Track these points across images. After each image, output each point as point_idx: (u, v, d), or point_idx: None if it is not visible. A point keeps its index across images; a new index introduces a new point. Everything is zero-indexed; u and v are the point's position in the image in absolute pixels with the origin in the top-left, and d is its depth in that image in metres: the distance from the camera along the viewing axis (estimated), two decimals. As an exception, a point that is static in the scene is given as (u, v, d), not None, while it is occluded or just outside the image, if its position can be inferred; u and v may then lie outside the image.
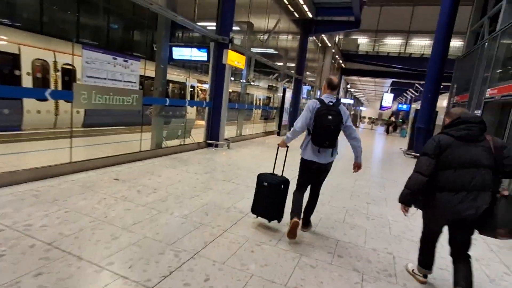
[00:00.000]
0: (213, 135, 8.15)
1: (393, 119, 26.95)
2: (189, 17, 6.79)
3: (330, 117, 2.91)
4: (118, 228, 2.93)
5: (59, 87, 7.66)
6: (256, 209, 3.38)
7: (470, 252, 2.32)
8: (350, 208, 4.39)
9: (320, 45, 20.17)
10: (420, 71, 23.72)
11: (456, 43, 23.61)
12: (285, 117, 13.58)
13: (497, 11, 7.41)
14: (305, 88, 17.82)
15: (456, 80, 9.70)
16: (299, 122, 3.08)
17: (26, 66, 7.08)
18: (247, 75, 11.17)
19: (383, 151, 11.94)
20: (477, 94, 7.03)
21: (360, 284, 2.49)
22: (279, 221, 3.31)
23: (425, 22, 24.13)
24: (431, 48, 10.38)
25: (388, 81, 35.38)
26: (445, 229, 2.38)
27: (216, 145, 8.12)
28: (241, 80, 11.52)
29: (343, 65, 28.69)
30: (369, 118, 45.85)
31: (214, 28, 7.89)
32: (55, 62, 7.63)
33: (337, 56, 24.48)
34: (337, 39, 23.39)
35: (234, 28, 8.04)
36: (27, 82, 7.11)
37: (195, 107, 12.38)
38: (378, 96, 56.98)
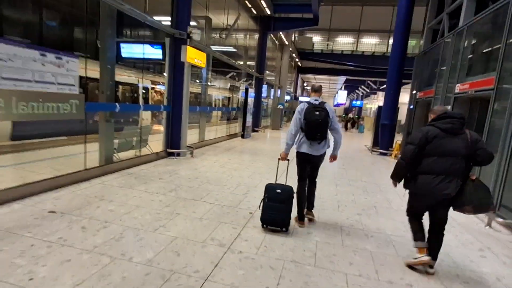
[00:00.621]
0: (173, 143, 7.19)
1: (351, 115, 27.79)
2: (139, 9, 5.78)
3: (317, 112, 3.38)
4: (50, 299, 2.02)
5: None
6: (270, 219, 3.41)
7: None
8: (344, 224, 3.85)
9: (277, 43, 19.86)
10: (372, 68, 24.75)
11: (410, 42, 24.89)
12: (249, 118, 12.94)
13: (456, 7, 7.51)
14: (265, 87, 17.35)
15: (416, 76, 9.85)
16: (292, 126, 3.53)
17: None
18: (207, 74, 10.29)
19: (349, 149, 11.87)
20: (444, 89, 7.03)
21: None
22: (287, 229, 3.41)
23: (374, 22, 25.24)
24: (391, 47, 10.48)
25: (342, 79, 36.63)
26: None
27: (178, 154, 7.19)
28: (199, 81, 10.58)
29: (299, 63, 28.92)
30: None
31: (169, 23, 6.94)
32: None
33: (294, 55, 24.48)
34: (293, 37, 23.35)
35: (192, 23, 7.16)
36: None
37: (150, 112, 11.13)
38: (332, 93, 59.08)
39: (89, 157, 4.99)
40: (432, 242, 2.77)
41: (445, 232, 2.78)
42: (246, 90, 12.47)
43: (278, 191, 3.41)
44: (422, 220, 2.85)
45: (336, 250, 3.12)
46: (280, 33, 18.48)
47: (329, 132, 3.53)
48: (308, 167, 3.66)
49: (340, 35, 27.29)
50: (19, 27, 9.55)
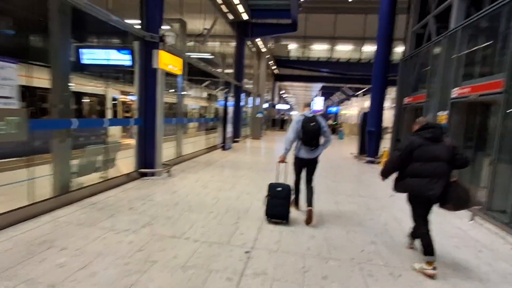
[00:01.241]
0: (147, 161, 6.26)
1: (330, 122, 27.80)
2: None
3: (312, 124, 4.05)
4: None
5: None
6: (273, 213, 3.99)
7: None
8: (362, 260, 3.15)
9: (255, 50, 19.35)
10: (348, 74, 24.92)
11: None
12: (229, 128, 12.15)
13: (444, 9, 7.25)
14: (243, 96, 16.68)
15: (402, 81, 9.57)
16: (290, 134, 4.13)
17: None
18: (183, 83, 9.43)
19: (335, 156, 11.38)
20: (438, 94, 6.66)
21: None
22: (287, 221, 3.99)
23: (348, 29, 25.53)
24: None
25: (318, 86, 36.84)
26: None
27: (153, 174, 6.26)
28: (174, 91, 9.69)
29: (276, 71, 28.65)
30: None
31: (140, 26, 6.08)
32: None
33: (270, 62, 24.11)
34: (269, 45, 23.00)
35: (164, 27, 6.33)
36: None
37: (121, 126, 10.02)
38: (308, 100, 59.77)
39: (39, 186, 4.00)
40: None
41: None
42: (225, 99, 11.71)
43: (279, 189, 4.02)
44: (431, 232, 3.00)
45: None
46: (257, 40, 17.99)
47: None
48: (303, 168, 4.31)
49: (315, 43, 27.36)
50: None
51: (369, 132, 10.28)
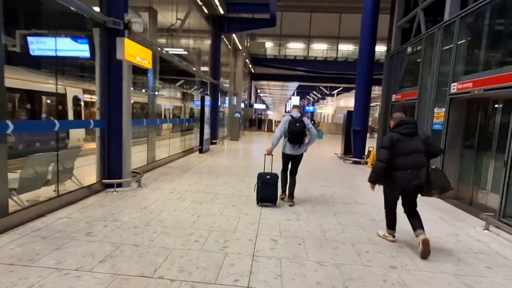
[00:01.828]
0: (112, 170, 5.31)
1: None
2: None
3: (297, 124, 4.63)
4: None
5: None
6: (264, 198, 4.70)
7: None
8: (388, 295, 2.50)
9: (231, 48, 18.53)
10: (325, 73, 24.78)
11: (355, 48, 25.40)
12: (207, 129, 11.27)
13: (433, 1, 6.88)
14: (219, 95, 15.83)
15: (388, 78, 9.19)
16: (277, 132, 4.80)
17: None
18: (154, 80, 8.45)
19: (319, 158, 10.87)
20: (434, 90, 6.25)
21: None
22: (275, 204, 4.74)
23: (323, 28, 25.39)
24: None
25: (294, 85, 36.59)
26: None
27: (120, 185, 5.32)
28: (145, 90, 8.61)
29: (252, 69, 27.99)
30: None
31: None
32: None
33: (247, 60, 23.40)
34: (246, 43, 22.26)
35: (131, 15, 5.40)
36: None
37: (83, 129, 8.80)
38: (283, 99, 59.59)
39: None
40: (414, 220, 3.32)
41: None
42: (202, 98, 10.82)
43: (268, 177, 4.63)
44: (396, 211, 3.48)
45: None
46: (234, 36, 17.19)
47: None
48: (290, 163, 4.88)
49: (291, 41, 27.02)
50: None
51: (354, 132, 9.84)
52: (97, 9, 5.00)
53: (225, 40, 16.57)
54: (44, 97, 8.37)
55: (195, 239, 3.38)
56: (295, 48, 26.72)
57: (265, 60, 25.07)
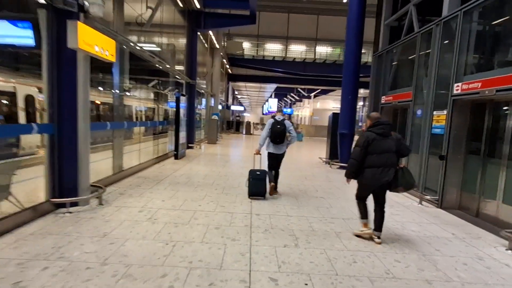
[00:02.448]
0: (65, 185, 4.29)
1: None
2: None
3: (279, 126, 5.34)
4: None
5: None
6: (255, 193, 5.35)
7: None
8: None
9: (208, 46, 17.60)
10: (303, 75, 24.49)
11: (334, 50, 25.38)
12: (182, 133, 10.31)
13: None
14: (197, 96, 14.85)
15: (376, 79, 8.73)
16: (263, 132, 5.44)
17: None
18: (122, 77, 7.41)
19: (304, 163, 10.25)
20: (432, 91, 5.78)
21: None
22: (264, 197, 5.38)
23: (301, 29, 25.07)
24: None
25: (272, 86, 36.13)
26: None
27: (75, 204, 4.31)
28: (109, 89, 7.50)
29: (229, 70, 27.17)
30: (262, 124, 46.63)
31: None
32: None
33: (224, 60, 22.56)
34: (223, 42, 21.40)
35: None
36: None
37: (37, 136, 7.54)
38: (260, 101, 59.07)
39: None
40: (377, 217, 3.67)
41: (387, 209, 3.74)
42: (177, 98, 9.87)
43: (258, 173, 5.35)
44: (367, 202, 3.77)
45: None
46: (211, 34, 16.29)
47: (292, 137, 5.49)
48: (274, 161, 5.61)
49: (269, 42, 26.46)
50: None
51: (341, 135, 9.31)
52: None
53: (202, 38, 15.65)
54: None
55: (169, 284, 2.53)
56: (273, 49, 26.18)
57: (243, 60, 24.41)
